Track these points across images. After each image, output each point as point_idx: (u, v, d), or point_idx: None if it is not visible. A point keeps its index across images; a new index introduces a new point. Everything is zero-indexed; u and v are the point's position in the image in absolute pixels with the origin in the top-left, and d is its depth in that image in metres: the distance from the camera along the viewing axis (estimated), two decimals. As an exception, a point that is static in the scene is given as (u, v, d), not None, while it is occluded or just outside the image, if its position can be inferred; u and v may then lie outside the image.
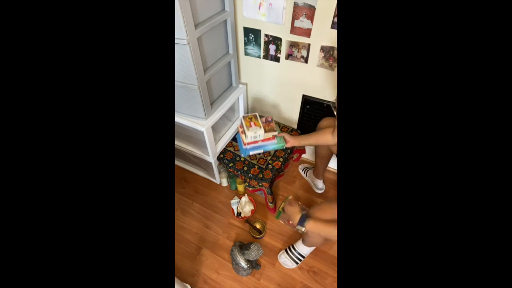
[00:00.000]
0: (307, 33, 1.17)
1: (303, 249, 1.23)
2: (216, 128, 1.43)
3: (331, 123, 1.19)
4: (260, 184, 1.31)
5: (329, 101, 1.35)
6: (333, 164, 1.59)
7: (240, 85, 1.48)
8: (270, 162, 1.37)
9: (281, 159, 1.39)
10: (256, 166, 1.36)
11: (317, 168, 1.46)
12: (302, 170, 1.62)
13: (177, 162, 1.70)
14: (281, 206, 1.08)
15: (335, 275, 1.21)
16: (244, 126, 1.20)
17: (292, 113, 1.53)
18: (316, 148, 1.40)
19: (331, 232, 0.89)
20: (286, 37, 1.23)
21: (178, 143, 1.50)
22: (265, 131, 1.19)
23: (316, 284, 1.21)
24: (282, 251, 1.29)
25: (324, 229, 0.91)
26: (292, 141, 1.20)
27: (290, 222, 1.03)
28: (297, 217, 0.97)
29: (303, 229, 0.94)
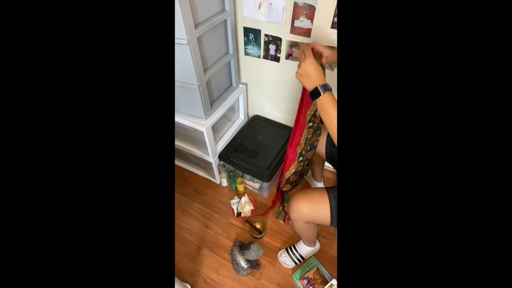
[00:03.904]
0: (307, 33, 1.16)
1: (304, 250, 1.23)
2: (216, 128, 1.43)
3: None
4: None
5: None
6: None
7: (240, 85, 1.48)
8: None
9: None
10: None
11: (314, 173, 1.48)
12: (302, 170, 1.63)
13: (177, 162, 1.70)
14: (281, 206, 1.08)
15: (336, 274, 1.21)
16: None
17: (292, 113, 1.53)
18: None
19: (334, 119, 0.68)
20: (286, 37, 1.23)
21: (178, 143, 1.50)
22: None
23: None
24: (283, 250, 1.29)
25: (334, 111, 0.68)
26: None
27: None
28: (318, 76, 0.71)
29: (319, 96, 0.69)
